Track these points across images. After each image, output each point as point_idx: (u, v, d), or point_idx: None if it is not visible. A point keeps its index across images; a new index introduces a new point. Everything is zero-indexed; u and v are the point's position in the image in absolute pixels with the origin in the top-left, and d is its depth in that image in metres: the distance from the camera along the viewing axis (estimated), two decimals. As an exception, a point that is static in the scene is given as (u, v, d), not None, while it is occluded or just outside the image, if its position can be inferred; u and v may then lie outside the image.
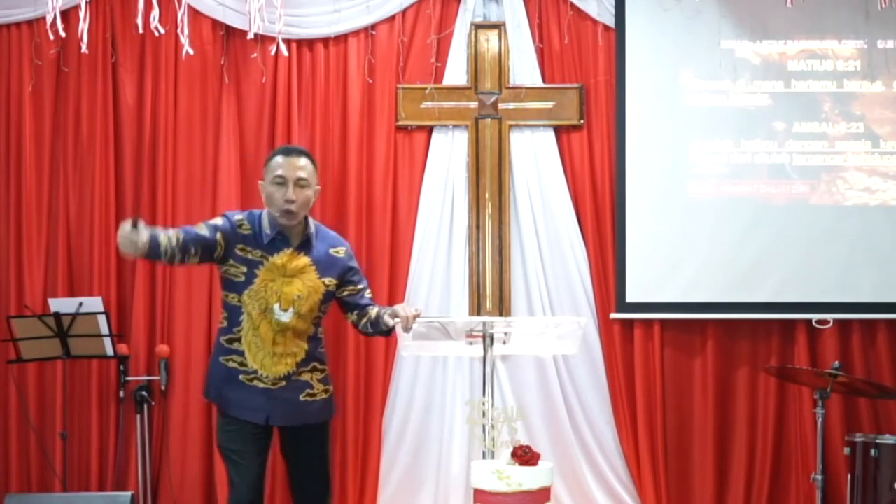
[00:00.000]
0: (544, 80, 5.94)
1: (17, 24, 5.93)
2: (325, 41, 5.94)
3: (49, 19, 5.38)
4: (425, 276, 5.87)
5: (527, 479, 3.48)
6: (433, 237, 5.89)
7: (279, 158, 3.84)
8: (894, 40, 5.90)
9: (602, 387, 5.88)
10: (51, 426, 5.79)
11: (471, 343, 4.04)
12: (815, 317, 5.83)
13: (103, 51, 5.90)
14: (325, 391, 3.94)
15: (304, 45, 5.94)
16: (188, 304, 5.83)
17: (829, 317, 5.82)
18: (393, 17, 5.94)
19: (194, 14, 5.78)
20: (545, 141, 5.93)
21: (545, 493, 3.52)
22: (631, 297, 5.84)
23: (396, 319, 3.86)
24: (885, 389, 5.36)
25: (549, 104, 5.91)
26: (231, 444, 3.83)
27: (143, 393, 5.71)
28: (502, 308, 5.82)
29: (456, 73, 5.94)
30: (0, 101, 5.94)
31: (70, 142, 5.92)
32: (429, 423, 5.84)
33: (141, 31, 5.43)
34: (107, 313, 5.52)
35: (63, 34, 5.48)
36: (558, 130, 5.95)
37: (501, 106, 5.92)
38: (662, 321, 5.87)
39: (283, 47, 5.64)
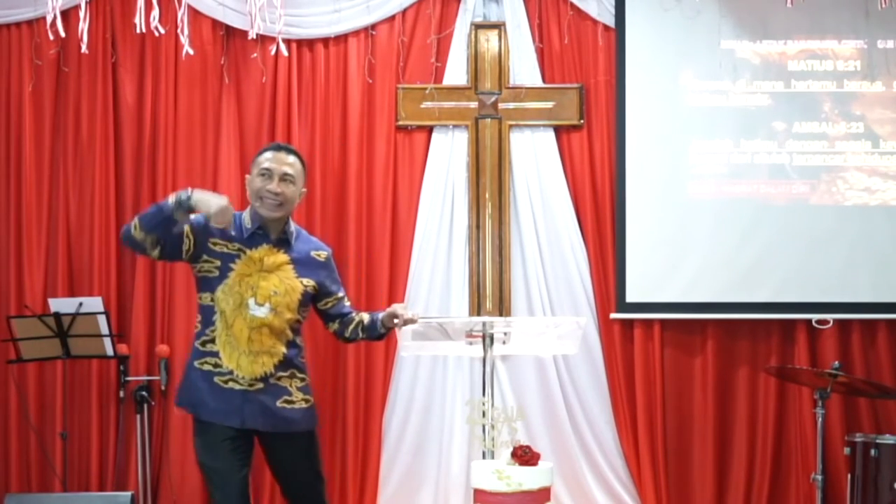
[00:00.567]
0: (544, 80, 5.95)
1: (17, 24, 5.93)
2: (325, 41, 5.94)
3: (49, 19, 5.37)
4: (425, 276, 5.87)
5: (527, 479, 3.48)
6: (433, 237, 5.89)
7: (268, 153, 3.78)
8: (894, 40, 5.90)
9: (602, 387, 5.88)
10: (51, 426, 5.79)
11: (471, 343, 4.05)
12: (815, 317, 5.83)
13: (103, 51, 5.90)
14: (305, 401, 3.78)
15: (304, 45, 5.94)
16: (188, 304, 5.83)
17: (829, 317, 5.82)
18: (393, 17, 5.94)
19: (194, 14, 5.78)
20: (545, 141, 5.93)
21: (545, 493, 3.52)
22: (631, 297, 5.84)
23: (396, 320, 3.78)
24: (885, 389, 5.36)
25: (549, 104, 5.91)
26: (212, 462, 3.72)
27: (143, 393, 5.71)
28: (502, 308, 5.82)
29: (456, 73, 5.94)
30: (0, 101, 5.94)
31: (70, 142, 5.92)
32: (429, 423, 5.84)
33: (141, 31, 5.43)
34: (107, 313, 5.52)
35: (63, 34, 5.48)
36: (558, 130, 5.95)
37: (501, 106, 5.92)
38: (662, 321, 5.87)
39: (283, 47, 5.64)
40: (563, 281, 5.89)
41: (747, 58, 5.90)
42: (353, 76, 5.92)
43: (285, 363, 3.72)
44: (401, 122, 5.93)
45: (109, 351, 5.54)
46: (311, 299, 3.82)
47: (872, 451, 4.95)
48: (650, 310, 5.85)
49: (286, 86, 5.90)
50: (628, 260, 5.84)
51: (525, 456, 3.52)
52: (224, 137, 5.89)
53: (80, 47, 5.50)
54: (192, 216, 3.67)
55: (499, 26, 5.93)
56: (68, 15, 5.69)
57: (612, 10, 5.90)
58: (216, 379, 3.68)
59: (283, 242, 3.76)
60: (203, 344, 3.72)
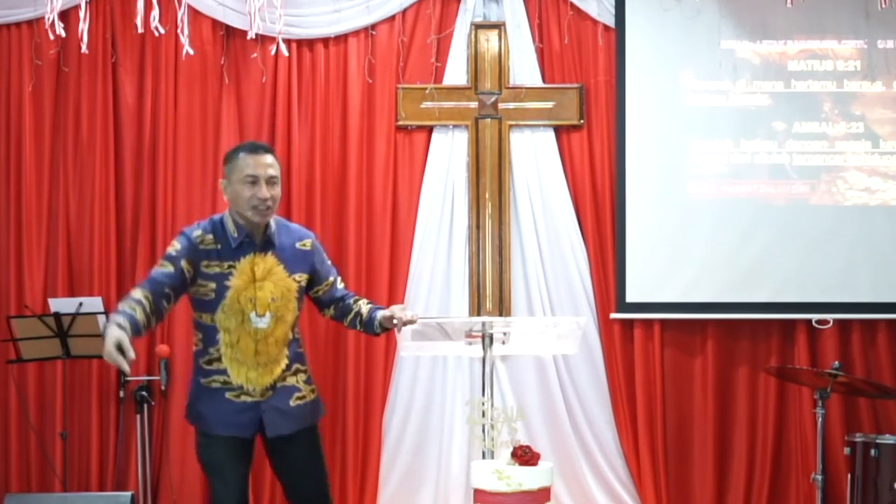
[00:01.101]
0: (544, 80, 5.95)
1: (17, 24, 5.93)
2: (325, 41, 5.94)
3: (49, 19, 5.37)
4: (425, 276, 5.87)
5: (527, 479, 3.48)
6: (433, 237, 5.89)
7: (247, 158, 3.65)
8: (894, 40, 5.90)
9: (602, 387, 5.88)
10: (51, 426, 5.79)
11: (470, 343, 4.05)
12: (815, 317, 5.83)
13: (103, 51, 5.90)
14: (312, 391, 3.81)
15: (304, 45, 5.94)
16: (188, 304, 5.80)
17: (829, 317, 5.82)
18: (393, 17, 5.94)
19: (194, 14, 5.78)
20: (545, 141, 5.93)
21: (545, 493, 3.52)
22: (631, 297, 5.84)
23: (395, 321, 3.75)
24: (885, 389, 5.36)
25: (549, 104, 5.91)
26: (214, 458, 3.72)
27: (143, 393, 5.71)
28: (502, 308, 5.82)
29: (456, 73, 5.94)
30: (0, 101, 5.94)
31: (70, 142, 5.92)
32: (429, 423, 5.84)
33: (141, 31, 5.43)
34: (107, 313, 5.51)
35: (63, 34, 5.48)
36: (558, 130, 5.95)
37: (501, 106, 5.92)
38: (662, 321, 5.87)
39: (283, 47, 5.63)
40: (563, 281, 5.88)
41: (747, 58, 5.90)
42: (353, 76, 5.91)
43: (289, 363, 3.73)
44: (401, 122, 5.92)
45: (109, 351, 5.53)
46: (305, 290, 3.79)
47: (872, 451, 4.95)
48: (650, 310, 5.85)
49: (286, 86, 5.89)
50: (628, 260, 5.84)
51: (525, 456, 3.52)
52: (224, 137, 5.89)
53: (80, 47, 5.50)
54: (178, 242, 3.65)
55: (499, 26, 5.93)
56: (68, 15, 5.69)
57: (612, 10, 5.90)
58: (228, 395, 3.68)
59: (268, 244, 3.70)
60: (209, 363, 3.73)
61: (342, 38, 5.94)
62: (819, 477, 5.05)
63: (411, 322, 3.77)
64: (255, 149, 3.71)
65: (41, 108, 5.92)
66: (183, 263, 3.61)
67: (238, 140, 5.89)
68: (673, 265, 5.85)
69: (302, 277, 3.75)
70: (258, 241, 3.68)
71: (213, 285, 3.65)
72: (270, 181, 3.64)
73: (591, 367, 5.87)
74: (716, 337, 5.89)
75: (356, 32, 5.94)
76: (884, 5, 5.53)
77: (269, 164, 3.65)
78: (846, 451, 5.13)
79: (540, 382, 5.83)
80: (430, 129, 5.95)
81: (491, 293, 5.83)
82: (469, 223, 5.89)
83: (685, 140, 5.88)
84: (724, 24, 5.87)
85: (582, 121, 5.92)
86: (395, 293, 5.80)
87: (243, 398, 3.67)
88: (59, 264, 5.87)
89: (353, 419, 5.78)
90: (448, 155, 5.92)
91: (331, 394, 5.76)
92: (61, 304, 5.55)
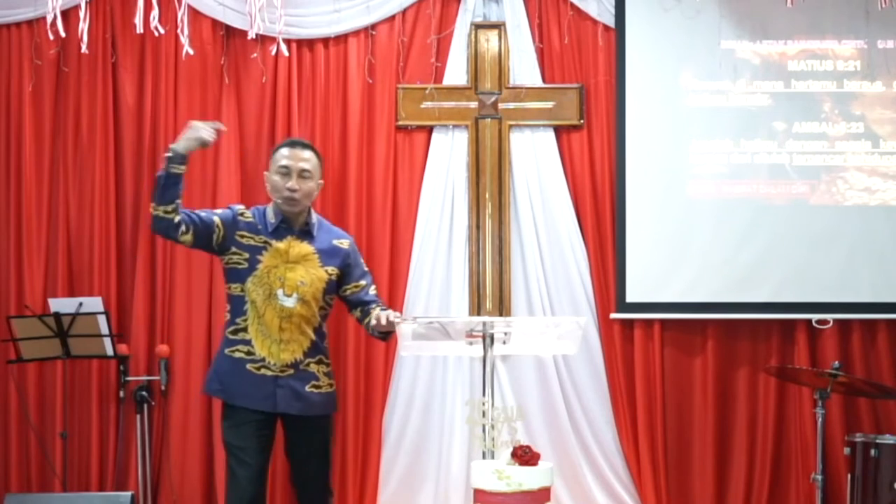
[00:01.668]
0: (544, 80, 5.95)
1: (17, 24, 5.93)
2: (325, 41, 5.94)
3: (49, 19, 5.38)
4: (425, 276, 5.87)
5: (527, 479, 3.47)
6: (433, 237, 5.89)
7: (285, 150, 4.00)
8: (894, 40, 5.90)
9: (602, 387, 5.88)
10: (51, 426, 5.79)
11: (471, 343, 4.04)
12: (815, 317, 5.83)
13: (103, 51, 5.90)
14: (330, 385, 4.04)
15: (304, 45, 5.94)
16: (188, 304, 5.83)
17: (829, 317, 5.82)
18: (393, 17, 5.94)
19: (194, 14, 5.78)
20: (545, 141, 5.93)
21: (545, 493, 3.52)
22: (631, 297, 5.84)
23: (384, 322, 3.92)
24: (885, 389, 5.36)
25: (549, 104, 5.91)
26: (235, 440, 3.91)
27: (143, 393, 5.72)
28: (502, 308, 5.82)
29: (456, 73, 5.94)
30: (0, 101, 5.94)
31: (70, 142, 5.92)
32: (429, 423, 5.84)
33: (141, 31, 5.43)
34: (107, 313, 5.52)
35: (63, 34, 5.48)
36: (558, 130, 5.95)
37: (501, 106, 5.92)
38: (662, 321, 5.87)
39: (283, 47, 5.64)
40: (563, 281, 5.88)
41: (747, 58, 5.90)
42: (353, 76, 5.91)
43: (313, 349, 3.97)
44: (401, 122, 5.92)
45: (109, 351, 5.54)
46: (336, 287, 4.03)
47: (872, 451, 4.95)
48: (650, 310, 5.85)
49: (286, 86, 5.89)
50: (628, 260, 5.84)
51: (525, 456, 3.52)
52: (224, 137, 5.87)
53: (80, 47, 5.50)
54: (220, 210, 3.99)
55: (499, 26, 5.93)
56: (68, 15, 5.69)
57: (612, 10, 5.90)
58: (248, 366, 3.90)
59: (306, 234, 4.00)
60: (234, 332, 3.94)
61: (342, 38, 5.94)
62: (819, 477, 5.06)
63: (389, 325, 3.93)
64: (294, 144, 4.06)
65: (41, 108, 5.92)
66: (216, 219, 3.92)
67: (238, 140, 5.90)
68: (673, 265, 5.85)
69: (333, 272, 4.01)
70: (296, 228, 3.99)
71: (246, 255, 3.92)
72: (302, 174, 3.95)
73: (591, 367, 5.87)
74: (716, 337, 5.89)
75: (356, 32, 5.94)
76: (884, 5, 5.53)
77: (304, 157, 3.98)
78: (846, 451, 5.13)
79: (540, 382, 5.83)
80: (430, 129, 5.95)
81: (491, 293, 5.83)
82: (469, 223, 5.89)
83: (685, 140, 5.88)
84: (724, 24, 5.87)
85: (582, 121, 5.92)
86: (395, 293, 5.81)
87: (263, 371, 3.90)
88: (59, 264, 5.87)
89: (353, 419, 5.78)
90: (448, 155, 5.92)
91: (331, 394, 5.76)
92: (61, 304, 5.55)
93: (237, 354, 3.92)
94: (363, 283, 4.11)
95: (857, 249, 5.83)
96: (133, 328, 5.83)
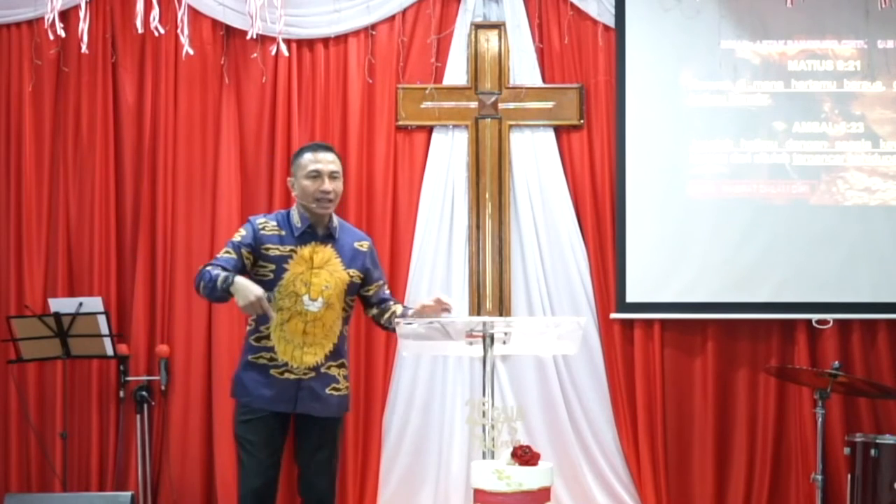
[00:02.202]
0: (544, 80, 5.95)
1: (17, 24, 5.93)
2: (325, 41, 5.94)
3: (49, 19, 5.37)
4: (425, 276, 5.87)
5: (527, 479, 3.47)
6: (433, 237, 5.89)
7: (309, 154, 4.07)
8: (894, 40, 5.90)
9: (602, 387, 5.88)
10: (51, 426, 5.79)
11: (471, 343, 4.05)
12: (815, 317, 5.83)
13: (103, 51, 5.90)
14: (347, 388, 4.13)
15: (304, 45, 5.94)
16: (188, 304, 5.83)
17: (829, 317, 5.82)
18: (393, 17, 5.94)
19: (194, 14, 5.78)
20: (545, 141, 5.93)
21: (545, 493, 3.52)
22: (631, 297, 5.84)
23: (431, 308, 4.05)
24: (885, 389, 5.36)
25: (549, 104, 5.91)
26: (246, 434, 4.01)
27: (143, 393, 5.72)
28: (502, 308, 5.82)
29: (456, 73, 5.94)
30: (0, 101, 5.94)
31: (70, 142, 5.92)
32: (429, 423, 5.84)
33: (141, 31, 5.43)
34: (107, 313, 5.52)
35: (63, 34, 5.48)
36: (558, 130, 5.95)
37: (501, 106, 5.92)
38: (662, 321, 5.87)
39: (283, 47, 5.63)
40: (563, 281, 5.88)
41: (747, 58, 5.90)
42: (353, 76, 5.91)
43: (335, 353, 4.06)
44: (401, 122, 5.93)
45: (109, 351, 5.54)
46: (357, 288, 4.14)
47: (872, 451, 4.95)
48: (650, 310, 5.85)
49: (286, 86, 5.89)
50: (628, 260, 5.84)
51: (525, 456, 3.52)
52: (224, 137, 5.89)
53: (80, 47, 5.50)
54: (242, 230, 4.05)
55: (499, 26, 5.93)
56: (68, 15, 5.69)
57: (612, 10, 5.90)
58: (272, 371, 3.99)
59: (329, 237, 4.08)
60: (257, 340, 4.03)
61: (342, 38, 5.94)
62: (819, 477, 5.06)
63: (447, 309, 4.07)
64: (318, 148, 4.13)
65: (41, 108, 5.92)
66: (243, 251, 3.99)
67: (238, 140, 5.90)
68: (673, 265, 5.85)
69: (355, 274, 4.11)
70: (320, 232, 4.06)
71: (272, 266, 4.00)
72: (332, 176, 4.04)
73: (591, 367, 5.87)
74: (716, 337, 5.89)
75: (356, 32, 5.94)
76: (884, 5, 5.53)
77: (330, 160, 4.07)
78: (846, 451, 5.13)
79: (540, 382, 5.83)
80: (430, 129, 5.95)
81: (491, 293, 5.83)
82: (469, 223, 5.89)
83: (685, 140, 5.88)
84: (724, 24, 5.87)
85: (582, 121, 5.92)
86: (395, 293, 5.74)
87: (286, 375, 3.99)
88: (59, 264, 5.87)
89: (353, 419, 5.78)
90: (448, 155, 5.92)
91: (331, 394, 5.76)
92: (61, 304, 5.56)
93: (261, 361, 4.01)
94: (381, 282, 4.24)
95: (857, 249, 5.83)
96: (133, 328, 5.83)
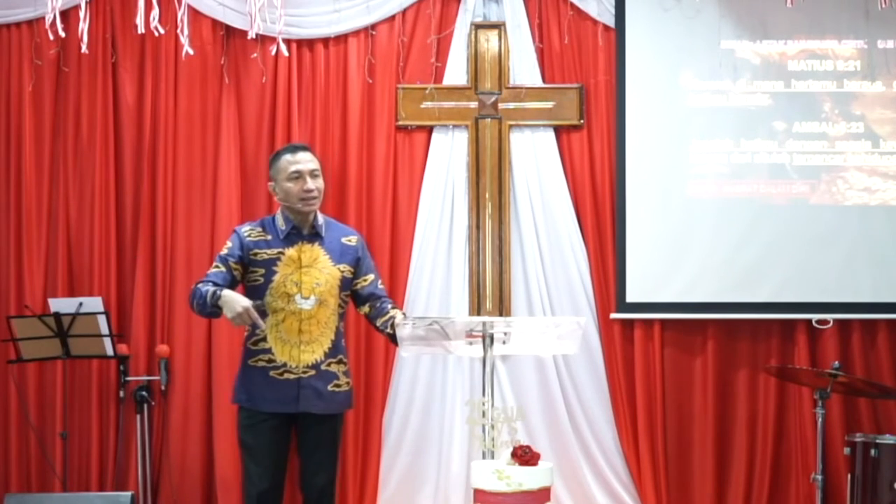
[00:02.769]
0: (544, 80, 5.94)
1: (17, 24, 5.93)
2: (325, 41, 5.94)
3: (49, 19, 5.37)
4: (425, 276, 5.87)
5: (527, 479, 3.47)
6: (433, 237, 5.89)
7: (288, 156, 4.12)
8: (894, 40, 5.90)
9: (602, 387, 5.88)
10: (51, 426, 5.79)
11: (471, 343, 4.05)
12: (815, 317, 5.83)
13: (103, 51, 5.89)
14: (348, 384, 4.17)
15: (304, 45, 5.94)
16: (188, 305, 5.81)
17: (829, 317, 5.82)
18: (393, 17, 5.93)
19: (194, 14, 5.78)
20: (545, 141, 5.93)
21: (545, 493, 3.51)
22: (631, 297, 5.84)
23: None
24: (885, 389, 5.36)
25: (549, 104, 5.91)
26: (250, 439, 4.07)
27: (143, 393, 5.71)
28: (502, 308, 5.82)
29: (456, 73, 5.93)
30: (0, 101, 5.94)
31: (70, 142, 5.92)
32: (429, 423, 5.84)
33: (141, 31, 5.42)
34: (107, 313, 5.52)
35: (63, 34, 5.47)
36: (558, 130, 5.95)
37: (501, 106, 5.92)
38: (662, 321, 5.87)
39: (283, 47, 5.63)
40: (563, 281, 5.88)
41: (747, 58, 5.90)
42: (353, 76, 5.91)
43: (333, 350, 4.10)
44: (401, 122, 5.92)
45: (109, 351, 5.54)
46: (349, 283, 4.18)
47: (872, 451, 4.95)
48: (650, 310, 5.85)
49: (286, 86, 5.89)
50: (628, 260, 5.84)
51: (525, 456, 3.52)
52: (224, 137, 5.89)
53: (80, 47, 5.49)
54: (229, 241, 4.12)
55: (499, 26, 5.93)
56: (68, 15, 5.69)
57: (612, 10, 5.90)
58: (272, 373, 4.04)
59: (315, 236, 4.13)
60: (255, 343, 4.08)
61: (342, 38, 5.94)
62: (819, 477, 5.06)
63: None
64: (294, 149, 4.18)
65: (41, 108, 5.92)
66: (231, 263, 4.07)
67: (238, 140, 5.90)
68: (673, 265, 5.85)
69: (346, 269, 4.15)
70: (305, 232, 4.12)
71: (262, 271, 4.06)
72: (313, 174, 4.10)
73: (591, 367, 5.87)
74: (716, 337, 5.89)
75: (356, 32, 5.93)
76: (884, 5, 5.53)
77: (308, 159, 4.13)
78: (846, 451, 5.13)
79: (540, 382, 5.83)
80: (430, 129, 5.95)
81: (491, 293, 5.83)
82: (469, 223, 5.88)
83: (685, 140, 5.88)
84: (724, 24, 5.86)
85: (582, 121, 5.92)
86: (395, 293, 5.80)
87: (286, 375, 4.04)
88: (59, 264, 5.87)
89: (353, 419, 5.77)
90: (448, 155, 5.92)
91: (331, 394, 5.76)
92: (61, 304, 5.55)
93: (259, 364, 4.06)
94: (371, 276, 4.25)
95: (857, 249, 5.83)
96: (133, 328, 5.83)
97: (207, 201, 5.87)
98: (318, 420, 4.09)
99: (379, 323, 4.21)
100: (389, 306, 4.23)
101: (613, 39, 5.91)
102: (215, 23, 5.90)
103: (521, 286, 5.88)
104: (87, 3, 5.48)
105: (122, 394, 5.75)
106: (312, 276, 4.06)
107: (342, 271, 4.13)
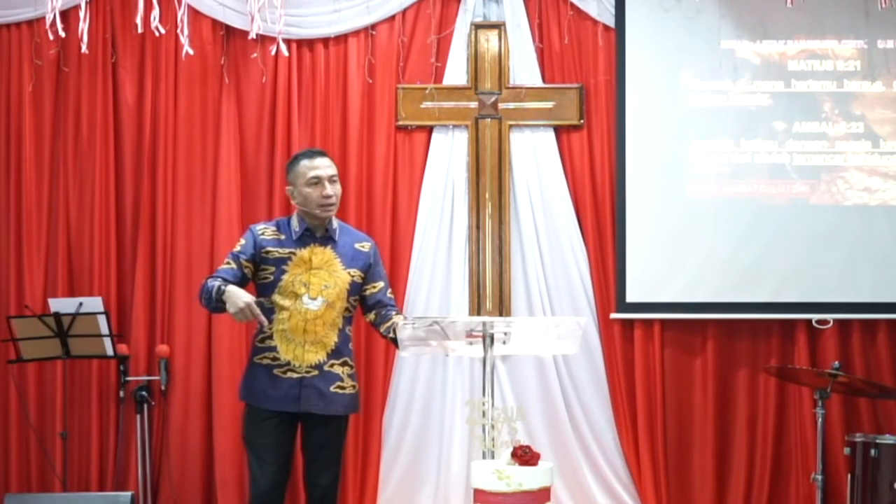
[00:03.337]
0: (544, 80, 5.94)
1: (17, 24, 5.92)
2: (325, 41, 5.94)
3: (49, 19, 5.36)
4: (425, 276, 5.87)
5: (527, 479, 3.47)
6: (433, 237, 5.89)
7: (307, 162, 4.16)
8: (894, 40, 5.90)
9: (602, 387, 5.88)
10: (51, 426, 5.79)
11: (471, 343, 4.05)
12: (815, 317, 5.83)
13: (103, 51, 5.89)
14: (353, 387, 4.20)
15: (304, 45, 5.94)
16: (188, 304, 5.82)
17: (829, 317, 5.82)
18: (393, 17, 5.93)
19: (194, 14, 5.78)
20: (545, 141, 5.93)
21: (545, 493, 3.52)
22: (631, 297, 5.84)
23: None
24: (885, 389, 5.36)
25: (549, 104, 5.91)
26: (254, 437, 4.12)
27: (143, 393, 5.71)
28: (502, 308, 5.82)
29: (456, 73, 5.93)
30: (0, 101, 5.94)
31: (70, 142, 5.92)
32: (429, 423, 5.84)
33: (141, 31, 5.42)
34: (107, 313, 5.52)
35: (63, 34, 5.47)
36: (558, 130, 5.95)
37: (501, 106, 5.92)
38: (662, 321, 5.87)
39: (283, 47, 5.63)
40: (563, 281, 5.88)
41: (747, 58, 5.90)
42: (353, 76, 5.91)
43: (337, 351, 4.12)
44: (401, 122, 5.92)
45: (109, 351, 5.54)
46: (359, 288, 4.22)
47: (872, 451, 4.95)
48: (650, 310, 5.85)
49: (286, 86, 5.89)
50: (628, 260, 5.84)
51: (525, 456, 3.52)
52: (224, 137, 5.89)
53: (80, 47, 5.48)
54: (242, 239, 4.17)
55: (499, 26, 5.93)
56: (68, 15, 5.69)
57: (612, 10, 5.90)
58: (275, 371, 4.08)
59: (328, 239, 4.18)
60: (262, 341, 4.12)
61: (342, 38, 5.94)
62: (819, 477, 5.06)
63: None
64: (313, 154, 4.22)
65: (41, 108, 5.92)
66: (242, 260, 4.11)
67: (238, 140, 5.90)
68: (673, 265, 5.85)
69: (356, 274, 4.19)
70: (319, 234, 4.16)
71: (272, 269, 4.10)
72: (331, 180, 4.15)
73: (591, 367, 5.87)
74: (716, 337, 5.89)
75: (356, 32, 5.93)
76: (884, 5, 5.53)
77: (327, 165, 4.17)
78: (846, 451, 5.13)
79: (540, 382, 5.83)
80: (430, 129, 5.95)
81: (491, 293, 5.83)
82: (469, 223, 5.89)
83: (685, 140, 5.88)
84: (724, 24, 5.87)
85: (582, 121, 5.92)
86: (395, 293, 5.74)
87: (289, 374, 4.07)
88: (59, 264, 5.87)
89: (353, 419, 5.72)
90: (448, 155, 5.92)
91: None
92: (61, 304, 5.55)
93: (265, 362, 4.10)
94: (380, 284, 4.28)
95: (857, 249, 5.83)
96: (133, 328, 5.83)
97: (207, 201, 5.87)
98: (323, 422, 4.12)
99: (382, 329, 4.25)
100: (393, 313, 4.26)
101: (613, 39, 5.91)
102: (215, 23, 5.90)
103: (521, 286, 5.88)
104: (87, 3, 5.48)
105: (122, 394, 5.75)
106: (322, 277, 4.10)
107: (352, 276, 4.17)
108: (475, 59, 5.93)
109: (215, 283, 3.99)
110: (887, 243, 5.84)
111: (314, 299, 4.07)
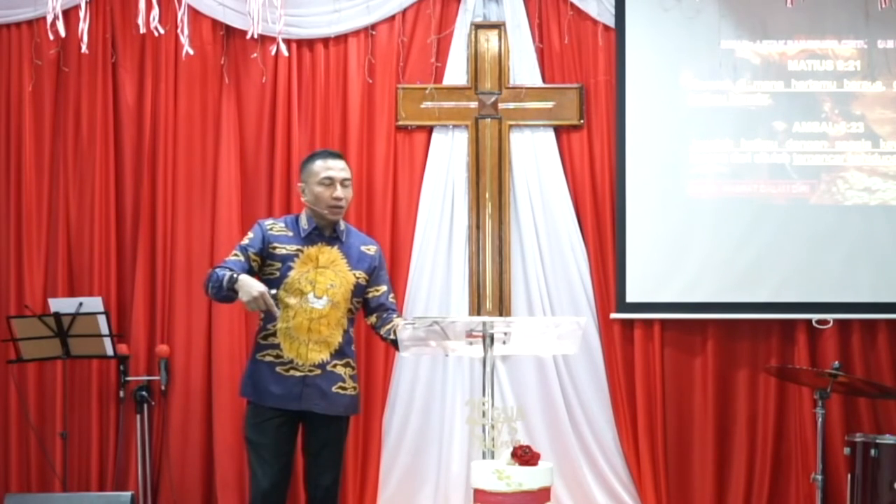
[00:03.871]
0: (544, 80, 5.95)
1: (17, 24, 5.93)
2: (325, 41, 5.94)
3: (49, 19, 5.36)
4: (425, 276, 5.87)
5: (527, 479, 3.47)
6: (433, 237, 5.89)
7: (321, 162, 4.18)
8: (894, 40, 5.90)
9: (602, 387, 5.88)
10: (51, 426, 5.79)
11: (471, 343, 4.05)
12: (815, 317, 5.83)
13: (103, 51, 5.90)
14: (354, 388, 4.21)
15: (304, 45, 5.94)
16: (188, 304, 5.83)
17: (829, 317, 5.82)
18: (393, 17, 5.93)
19: (194, 14, 5.78)
20: (545, 141, 5.93)
21: (545, 493, 3.51)
22: (631, 297, 5.84)
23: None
24: (885, 389, 5.36)
25: (549, 104, 5.91)
26: (255, 437, 4.11)
27: (143, 393, 5.71)
28: (502, 308, 5.82)
29: (456, 73, 5.94)
30: (0, 101, 5.94)
31: (70, 142, 5.92)
32: (429, 423, 5.84)
33: (141, 31, 5.42)
34: (107, 313, 5.52)
35: (63, 34, 5.47)
36: (558, 130, 5.95)
37: (501, 106, 5.92)
38: (662, 321, 5.87)
39: (283, 47, 5.63)
40: (563, 281, 5.88)
41: (747, 58, 5.90)
42: (353, 76, 5.91)
43: (340, 352, 4.13)
44: (401, 122, 5.92)
45: (109, 351, 5.54)
46: (362, 290, 4.23)
47: (872, 451, 4.95)
48: (650, 310, 5.85)
49: (286, 86, 5.89)
50: (628, 260, 5.84)
51: (525, 456, 3.52)
52: (224, 137, 5.89)
53: (80, 47, 5.49)
54: (251, 232, 4.16)
55: (499, 26, 5.93)
56: (68, 15, 5.68)
57: (612, 10, 5.90)
58: (278, 368, 4.08)
59: (335, 240, 4.20)
60: (265, 338, 4.13)
61: (342, 38, 5.94)
62: (819, 477, 5.06)
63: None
64: (328, 155, 4.24)
65: (41, 108, 5.92)
66: (251, 254, 4.09)
67: (238, 140, 5.90)
68: (673, 265, 5.85)
69: (361, 276, 4.21)
70: (327, 234, 4.18)
71: (278, 265, 4.10)
72: (343, 183, 4.17)
73: (591, 367, 5.87)
74: (716, 337, 5.89)
75: (356, 32, 5.93)
76: (884, 5, 5.53)
77: (341, 167, 4.19)
78: (846, 451, 5.13)
79: (540, 382, 5.83)
80: (430, 129, 5.95)
81: (491, 293, 5.83)
82: (469, 223, 5.89)
83: (685, 140, 5.88)
84: (724, 24, 5.87)
85: (582, 121, 5.92)
86: (395, 293, 5.77)
87: (291, 372, 4.08)
88: (59, 264, 5.87)
89: (353, 419, 5.75)
90: (448, 155, 5.92)
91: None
92: (61, 304, 5.55)
93: (267, 359, 4.10)
94: (383, 287, 4.29)
95: (857, 249, 5.83)
96: (133, 328, 5.83)
97: (207, 201, 5.87)
98: (324, 422, 4.13)
99: (383, 332, 4.25)
100: (395, 317, 4.27)
101: (613, 39, 5.91)
102: (215, 23, 5.90)
103: (521, 286, 5.88)
104: (87, 3, 5.48)
105: (122, 394, 5.75)
106: (327, 277, 4.11)
107: (357, 277, 4.18)
108: (475, 59, 5.93)
109: (225, 273, 3.96)
110: (887, 243, 5.84)
111: (319, 298, 4.08)
